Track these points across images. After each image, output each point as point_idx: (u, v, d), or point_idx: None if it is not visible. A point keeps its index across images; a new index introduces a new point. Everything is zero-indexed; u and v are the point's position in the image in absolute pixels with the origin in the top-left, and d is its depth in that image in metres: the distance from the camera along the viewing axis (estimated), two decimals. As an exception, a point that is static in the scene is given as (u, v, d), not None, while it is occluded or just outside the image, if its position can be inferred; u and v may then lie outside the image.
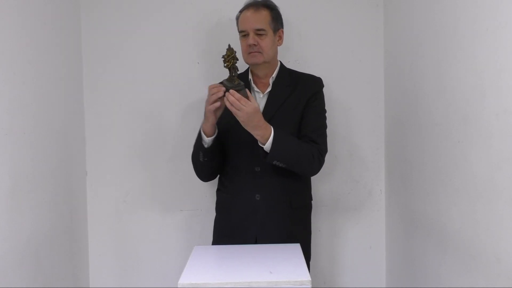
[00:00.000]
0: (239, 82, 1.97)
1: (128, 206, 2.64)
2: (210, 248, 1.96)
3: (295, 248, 1.92)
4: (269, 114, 2.07)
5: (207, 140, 2.03)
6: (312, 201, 2.30)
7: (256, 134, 1.95)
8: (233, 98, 1.89)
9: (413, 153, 2.21)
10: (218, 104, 1.95)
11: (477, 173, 1.62)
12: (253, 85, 2.18)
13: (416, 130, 2.17)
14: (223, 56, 1.97)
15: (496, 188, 1.50)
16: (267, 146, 1.96)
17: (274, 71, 2.18)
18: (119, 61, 2.60)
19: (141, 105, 2.61)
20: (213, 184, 2.35)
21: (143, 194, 2.64)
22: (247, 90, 1.96)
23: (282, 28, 2.20)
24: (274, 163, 2.00)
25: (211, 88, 1.97)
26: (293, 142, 2.03)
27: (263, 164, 2.06)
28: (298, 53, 2.60)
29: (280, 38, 2.19)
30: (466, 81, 1.68)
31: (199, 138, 2.07)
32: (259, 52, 2.08)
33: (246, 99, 1.90)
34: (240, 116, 1.90)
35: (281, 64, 2.23)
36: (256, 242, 2.08)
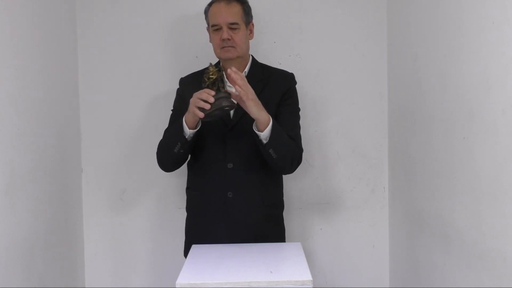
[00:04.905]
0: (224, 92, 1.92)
1: (124, 204, 2.62)
2: (208, 247, 1.95)
3: (296, 248, 1.91)
4: (242, 109, 1.99)
5: (189, 133, 1.97)
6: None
7: (261, 115, 1.91)
8: (241, 82, 1.86)
9: (417, 149, 2.19)
10: (202, 115, 1.87)
11: (482, 170, 1.61)
12: (225, 80, 2.11)
13: (420, 126, 2.15)
14: (207, 74, 1.91)
15: (502, 185, 1.49)
16: (266, 133, 1.92)
17: (246, 66, 2.15)
18: (115, 58, 2.58)
19: (138, 102, 2.59)
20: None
21: (140, 192, 2.62)
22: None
23: (252, 21, 2.16)
24: (270, 151, 1.96)
25: (205, 93, 1.88)
26: (285, 134, 2.00)
27: (236, 161, 2.05)
28: (299, 47, 2.57)
29: (251, 32, 2.15)
30: (471, 75, 1.66)
31: (179, 129, 1.99)
32: (233, 47, 2.04)
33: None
34: (251, 94, 1.88)
35: (253, 59, 2.19)
36: (229, 241, 2.03)
